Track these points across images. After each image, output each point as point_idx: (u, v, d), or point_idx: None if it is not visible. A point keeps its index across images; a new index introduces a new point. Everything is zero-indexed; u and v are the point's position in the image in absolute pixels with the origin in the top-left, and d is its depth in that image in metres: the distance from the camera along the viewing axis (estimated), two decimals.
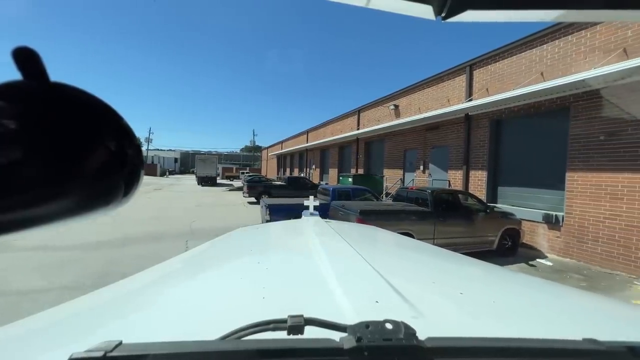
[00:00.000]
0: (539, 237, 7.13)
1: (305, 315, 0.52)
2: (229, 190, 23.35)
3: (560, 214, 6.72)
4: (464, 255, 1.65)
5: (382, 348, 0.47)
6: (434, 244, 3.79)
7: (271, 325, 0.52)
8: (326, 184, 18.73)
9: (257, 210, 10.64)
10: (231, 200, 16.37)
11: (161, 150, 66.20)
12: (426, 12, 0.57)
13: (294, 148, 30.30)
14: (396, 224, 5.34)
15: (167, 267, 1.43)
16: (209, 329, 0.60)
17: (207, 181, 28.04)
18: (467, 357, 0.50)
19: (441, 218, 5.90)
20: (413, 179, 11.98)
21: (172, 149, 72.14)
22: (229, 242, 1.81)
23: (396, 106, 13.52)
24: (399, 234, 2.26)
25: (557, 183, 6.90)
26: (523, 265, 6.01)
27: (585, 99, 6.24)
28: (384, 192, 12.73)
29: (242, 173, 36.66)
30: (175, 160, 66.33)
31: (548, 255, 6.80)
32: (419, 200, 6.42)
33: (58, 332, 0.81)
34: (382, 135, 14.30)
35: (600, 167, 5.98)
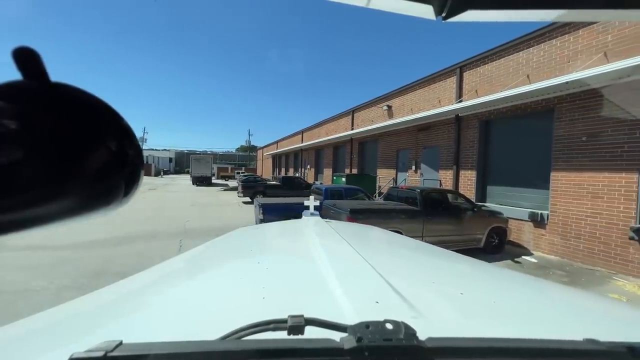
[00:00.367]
0: (526, 235, 7.34)
1: (306, 316, 0.52)
2: (224, 190, 23.36)
3: (545, 212, 6.93)
4: (464, 256, 1.64)
5: (382, 348, 0.47)
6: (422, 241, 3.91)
7: (271, 326, 0.52)
8: (321, 183, 18.87)
9: (252, 210, 10.72)
10: (226, 200, 16.42)
11: (156, 150, 65.78)
12: (427, 12, 0.57)
13: (289, 148, 30.38)
14: (385, 223, 5.48)
15: (167, 267, 1.44)
16: (209, 329, 0.60)
17: (202, 181, 27.99)
18: (467, 358, 0.50)
19: (429, 216, 6.07)
20: (405, 179, 12.17)
21: (167, 148, 71.70)
22: (229, 242, 1.81)
23: (389, 107, 13.70)
24: (399, 234, 2.25)
25: (542, 182, 7.11)
26: (509, 262, 6.20)
27: (568, 101, 6.46)
28: (377, 192, 12.89)
29: (238, 173, 36.63)
30: (170, 160, 65.92)
31: (534, 252, 7.01)
32: (408, 199, 6.58)
33: (58, 332, 0.81)
34: (375, 135, 14.46)
35: (582, 167, 6.20)
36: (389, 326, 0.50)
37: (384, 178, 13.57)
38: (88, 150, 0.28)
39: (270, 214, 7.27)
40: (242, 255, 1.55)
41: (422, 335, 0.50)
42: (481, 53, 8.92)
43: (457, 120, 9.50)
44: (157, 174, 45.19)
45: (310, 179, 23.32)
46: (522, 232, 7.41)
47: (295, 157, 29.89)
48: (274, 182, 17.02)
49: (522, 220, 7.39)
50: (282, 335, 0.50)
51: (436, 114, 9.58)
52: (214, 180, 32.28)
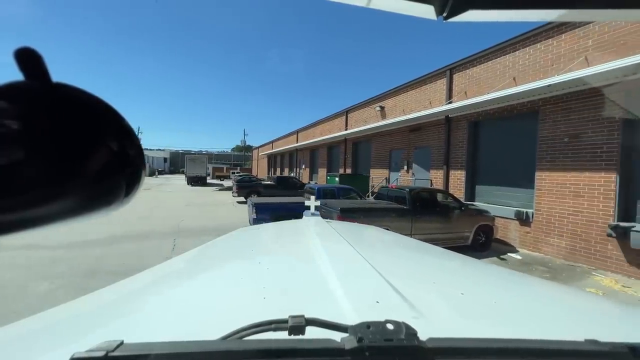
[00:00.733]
0: (512, 233, 7.56)
1: (306, 316, 0.52)
2: (219, 190, 23.39)
3: (530, 211, 7.15)
4: (464, 256, 1.64)
5: (383, 348, 0.47)
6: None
7: (272, 326, 0.52)
8: (315, 183, 19.01)
9: (246, 210, 10.82)
10: (221, 200, 16.48)
11: (150, 149, 65.31)
12: (427, 12, 0.57)
13: (284, 148, 30.47)
14: (374, 221, 5.63)
15: (168, 267, 1.45)
16: (210, 329, 0.60)
17: (196, 181, 27.98)
18: (468, 358, 0.50)
19: (418, 215, 6.24)
20: (397, 179, 12.36)
21: (162, 148, 71.17)
22: (229, 242, 1.81)
23: (382, 107, 13.88)
24: (399, 234, 2.30)
25: (528, 182, 7.33)
26: (495, 259, 6.39)
27: (551, 103, 6.68)
28: (370, 191, 13.07)
29: (233, 173, 36.60)
30: (165, 160, 65.47)
31: (519, 249, 7.22)
32: (398, 198, 6.75)
33: (59, 332, 0.81)
34: (369, 135, 14.64)
35: (565, 167, 6.42)
36: (390, 326, 0.51)
37: (377, 178, 13.75)
38: (89, 150, 0.28)
39: (263, 213, 7.39)
40: (243, 255, 1.55)
41: (423, 335, 0.50)
42: (470, 55, 9.12)
43: (447, 121, 9.70)
44: (151, 174, 44.91)
45: (305, 178, 23.45)
46: (508, 230, 7.63)
47: (291, 157, 29.99)
48: (269, 182, 17.12)
49: (509, 218, 7.60)
50: (283, 335, 0.51)
51: (427, 114, 9.78)
52: (209, 180, 32.31)
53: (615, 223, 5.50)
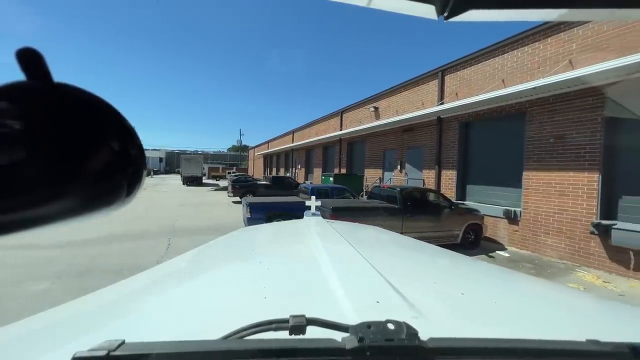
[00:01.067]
0: (501, 231, 7.75)
1: (307, 315, 0.52)
2: (215, 189, 23.40)
3: (518, 209, 7.34)
4: (464, 256, 1.64)
5: (384, 348, 0.47)
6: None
7: (273, 325, 0.52)
8: (310, 183, 19.13)
9: (241, 209, 10.91)
10: (216, 200, 16.52)
11: (146, 149, 64.50)
12: (428, 11, 0.57)
13: (280, 148, 30.54)
14: (366, 220, 5.77)
15: (169, 267, 1.45)
16: (211, 329, 0.60)
17: (192, 181, 27.93)
18: (468, 358, 0.50)
19: (409, 214, 6.40)
20: (391, 178, 12.53)
21: (157, 148, 70.75)
22: (230, 242, 1.81)
23: (376, 108, 14.04)
24: (399, 234, 2.31)
25: (516, 181, 7.52)
26: (483, 256, 6.56)
27: (538, 105, 6.87)
28: (364, 191, 13.22)
29: (229, 173, 36.57)
30: (160, 159, 65.13)
31: (508, 247, 7.41)
32: (389, 197, 6.90)
33: (60, 332, 0.82)
34: (363, 135, 14.79)
35: (551, 167, 6.61)
36: (391, 326, 0.51)
37: (372, 178, 13.90)
38: (91, 150, 0.28)
39: (258, 212, 7.49)
40: (244, 255, 1.55)
41: (423, 335, 0.50)
42: (461, 57, 9.30)
43: (439, 122, 9.88)
44: (147, 174, 44.57)
45: (300, 178, 23.56)
46: (497, 229, 7.82)
47: (286, 157, 30.08)
48: (265, 182, 17.20)
49: (498, 217, 7.79)
50: (284, 335, 0.51)
51: (419, 115, 9.95)
52: (205, 180, 32.23)
53: (598, 221, 5.70)
